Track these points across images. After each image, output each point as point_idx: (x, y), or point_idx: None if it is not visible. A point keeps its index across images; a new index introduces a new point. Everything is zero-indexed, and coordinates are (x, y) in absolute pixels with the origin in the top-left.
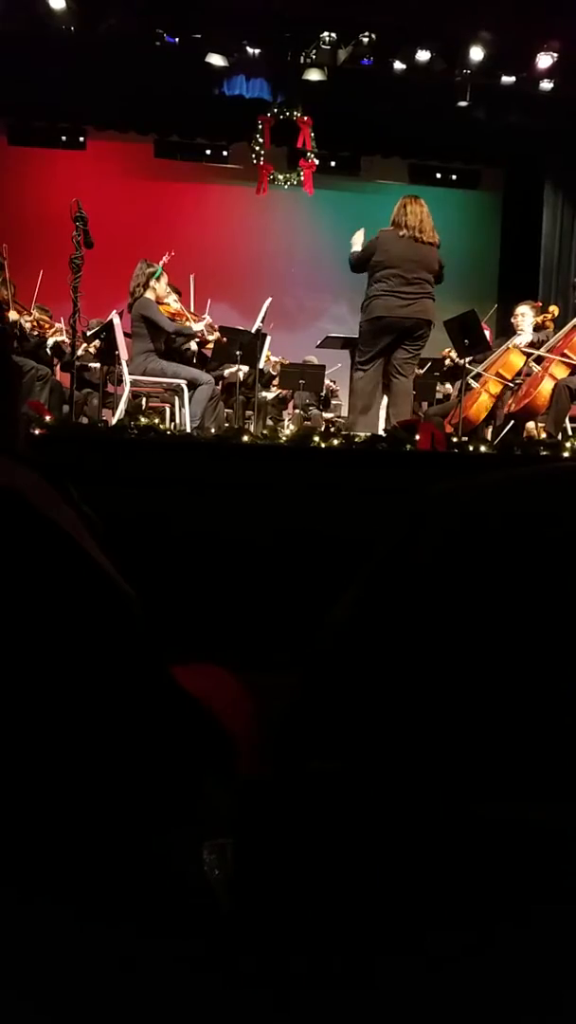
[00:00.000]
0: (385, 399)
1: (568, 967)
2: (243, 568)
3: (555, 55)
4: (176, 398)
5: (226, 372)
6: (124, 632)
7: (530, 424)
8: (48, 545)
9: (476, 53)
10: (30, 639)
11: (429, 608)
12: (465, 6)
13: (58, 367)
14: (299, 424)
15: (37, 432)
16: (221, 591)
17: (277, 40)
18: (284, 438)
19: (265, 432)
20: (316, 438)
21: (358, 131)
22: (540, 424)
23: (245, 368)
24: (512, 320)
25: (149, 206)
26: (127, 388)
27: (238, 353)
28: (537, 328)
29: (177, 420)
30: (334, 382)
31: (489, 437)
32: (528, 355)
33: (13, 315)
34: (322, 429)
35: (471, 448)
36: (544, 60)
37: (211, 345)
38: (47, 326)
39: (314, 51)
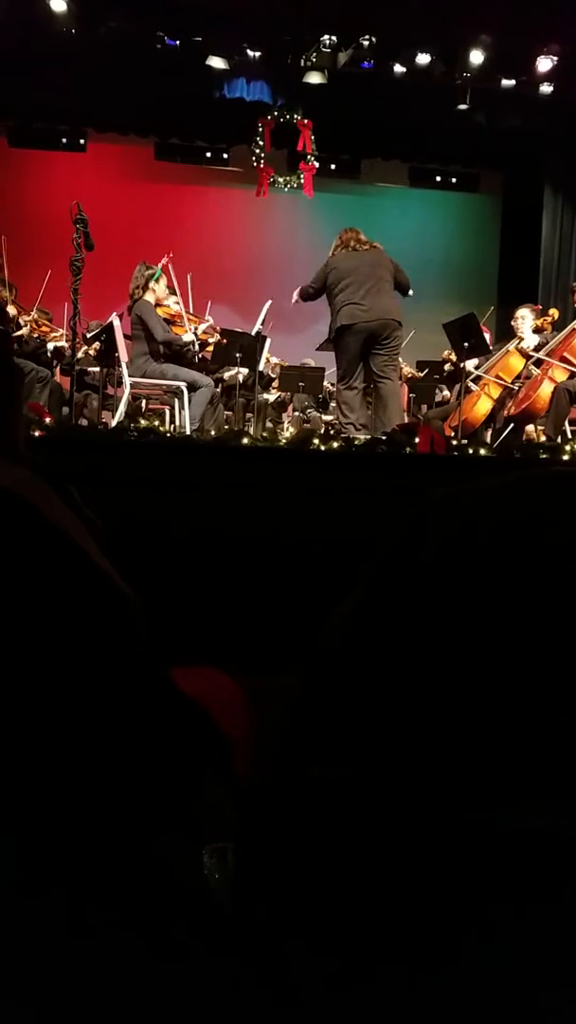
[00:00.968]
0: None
1: (568, 970)
2: (242, 570)
3: (555, 58)
4: (176, 400)
5: (226, 375)
6: (124, 634)
7: (529, 427)
8: (48, 547)
9: (476, 56)
10: (29, 641)
11: (430, 612)
12: (465, 10)
13: (58, 369)
14: (298, 426)
15: (37, 434)
16: (220, 593)
17: (277, 43)
18: (284, 440)
19: (265, 434)
20: (316, 440)
21: (358, 134)
22: (539, 427)
23: (244, 371)
24: (512, 323)
25: (149, 208)
26: (127, 390)
27: (238, 355)
28: (536, 331)
29: (177, 422)
30: (333, 384)
31: (489, 440)
32: (528, 358)
33: (11, 309)
34: (322, 431)
35: (471, 451)
36: (544, 63)
37: (211, 348)
38: (47, 328)
39: (314, 54)
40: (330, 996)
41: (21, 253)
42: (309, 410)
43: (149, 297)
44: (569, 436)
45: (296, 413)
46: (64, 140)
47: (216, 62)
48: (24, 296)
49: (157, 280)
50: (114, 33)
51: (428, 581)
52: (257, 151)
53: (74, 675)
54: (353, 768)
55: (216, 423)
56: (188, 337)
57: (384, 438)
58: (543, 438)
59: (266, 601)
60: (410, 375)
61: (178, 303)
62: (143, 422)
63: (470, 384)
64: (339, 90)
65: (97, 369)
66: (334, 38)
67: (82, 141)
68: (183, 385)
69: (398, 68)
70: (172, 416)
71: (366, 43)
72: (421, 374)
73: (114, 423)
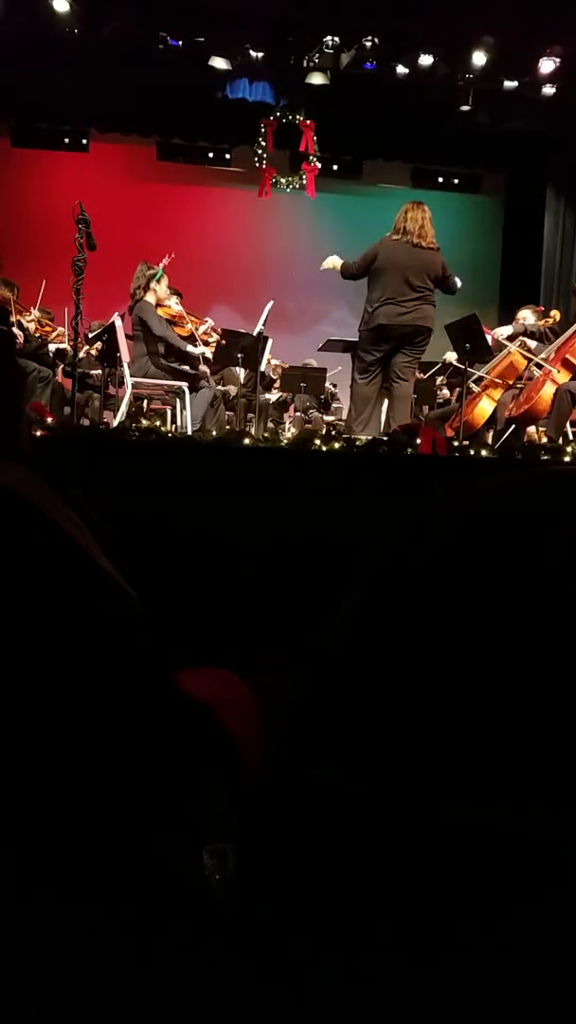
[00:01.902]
0: (385, 403)
1: (567, 971)
2: (244, 570)
3: (557, 60)
4: (177, 400)
5: (219, 389)
6: (127, 635)
7: (531, 428)
8: (50, 547)
9: (479, 57)
10: (32, 642)
11: (431, 611)
12: (468, 11)
13: (60, 369)
14: (300, 427)
15: (39, 434)
16: (222, 593)
17: (280, 44)
18: (285, 441)
19: (266, 435)
20: (317, 441)
21: (360, 135)
22: (541, 428)
23: (241, 374)
24: (513, 324)
25: (151, 209)
26: (128, 390)
27: (239, 356)
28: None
29: (178, 422)
30: (335, 385)
31: (490, 441)
32: (529, 360)
33: (13, 310)
34: (323, 432)
35: (472, 452)
36: (546, 65)
37: (211, 347)
38: (48, 328)
39: (317, 55)
40: (331, 997)
41: (23, 253)
42: (311, 411)
43: (150, 297)
44: (570, 437)
45: (298, 414)
46: (67, 140)
47: (219, 62)
48: (26, 296)
49: (159, 280)
50: (117, 33)
51: (429, 580)
52: (259, 151)
53: (76, 676)
54: (355, 769)
55: (217, 423)
56: (196, 351)
57: (386, 439)
58: (544, 439)
59: (268, 601)
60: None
61: (179, 303)
62: (144, 422)
63: (471, 385)
64: (342, 91)
65: (97, 372)
66: (337, 39)
67: (84, 141)
68: (184, 385)
69: (401, 69)
70: (173, 416)
71: (369, 44)
72: (424, 375)
73: (115, 423)
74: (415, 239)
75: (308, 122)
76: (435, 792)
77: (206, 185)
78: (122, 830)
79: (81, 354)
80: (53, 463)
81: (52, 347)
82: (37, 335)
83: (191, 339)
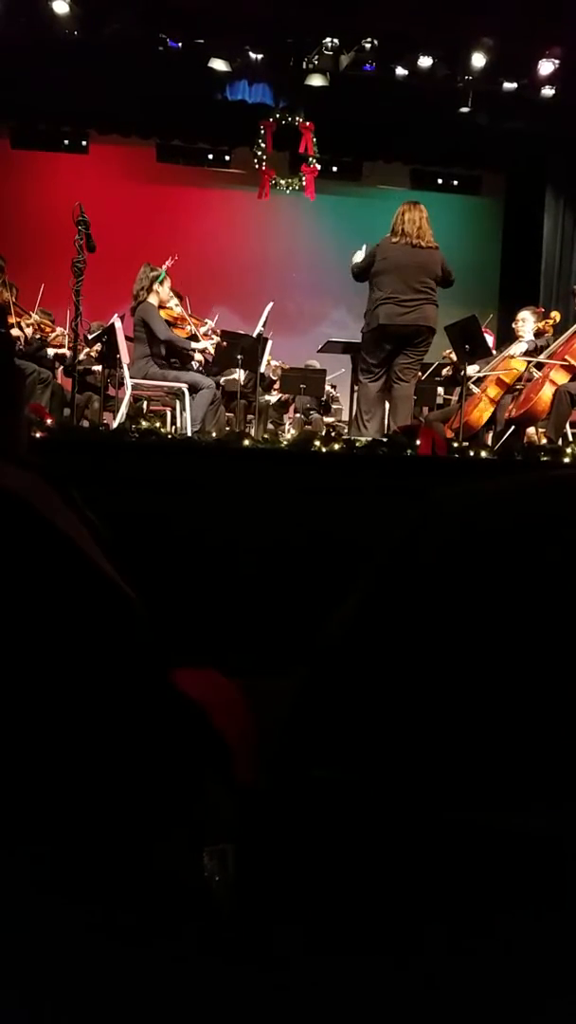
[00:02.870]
0: (387, 404)
1: (565, 972)
2: (243, 572)
3: (557, 61)
4: (177, 402)
5: (222, 380)
6: (125, 636)
7: (530, 429)
8: (50, 549)
9: (478, 59)
10: (30, 642)
11: (431, 614)
12: (467, 12)
13: (60, 371)
14: (300, 428)
15: (38, 435)
16: (221, 594)
17: (280, 45)
18: (285, 442)
19: (266, 436)
20: (317, 442)
21: (360, 136)
22: (540, 429)
23: (242, 373)
24: (513, 326)
25: (151, 210)
26: (128, 391)
27: (239, 357)
28: (538, 334)
29: (178, 424)
30: (335, 387)
31: (490, 442)
32: (529, 361)
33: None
34: (323, 433)
35: (471, 453)
36: (546, 66)
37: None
38: (48, 330)
39: (317, 56)
40: (330, 996)
41: (23, 254)
42: (311, 412)
43: (153, 299)
44: (570, 439)
45: (297, 415)
46: (66, 142)
47: (218, 64)
48: (25, 297)
49: (161, 282)
50: (117, 35)
51: (429, 583)
52: (259, 153)
53: (76, 677)
54: (354, 770)
55: (217, 425)
56: (201, 345)
57: (385, 440)
58: (544, 440)
59: (267, 602)
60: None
61: (180, 305)
62: (144, 423)
63: (471, 386)
64: (341, 92)
65: (99, 368)
66: (336, 40)
67: (84, 143)
68: (184, 387)
69: (400, 71)
70: (173, 418)
71: (368, 45)
72: (424, 376)
73: (115, 424)
74: (414, 240)
75: (308, 124)
76: (432, 793)
77: (206, 187)
78: (121, 830)
79: (81, 355)
80: (52, 465)
81: (50, 351)
82: (37, 337)
83: (193, 339)
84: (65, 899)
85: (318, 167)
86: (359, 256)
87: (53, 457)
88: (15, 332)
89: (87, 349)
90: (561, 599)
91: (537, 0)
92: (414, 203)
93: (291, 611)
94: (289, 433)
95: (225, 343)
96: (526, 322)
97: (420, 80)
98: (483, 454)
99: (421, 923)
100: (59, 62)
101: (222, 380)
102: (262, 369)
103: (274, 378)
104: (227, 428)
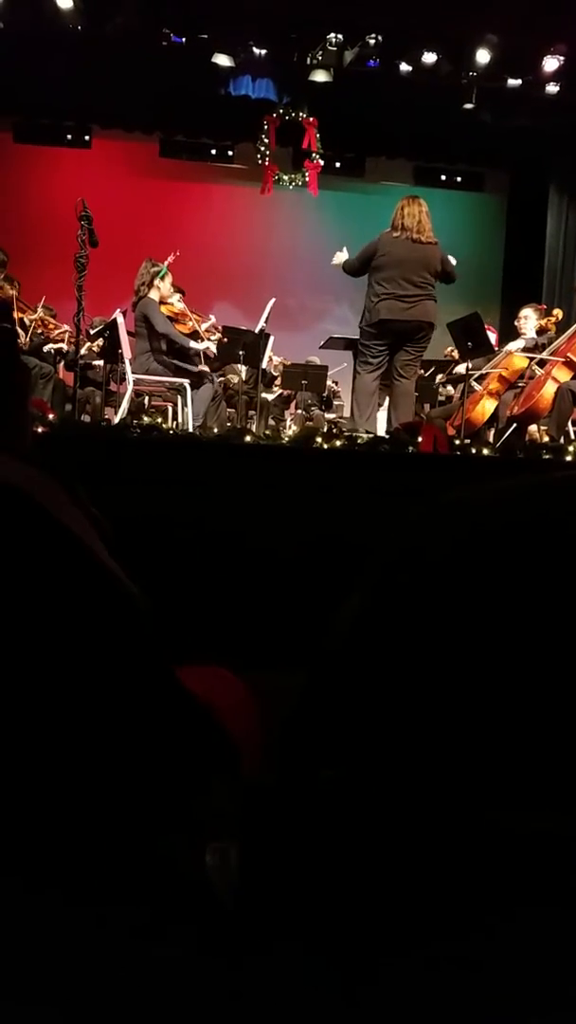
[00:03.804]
0: (387, 400)
1: (568, 972)
2: (245, 568)
3: (561, 58)
4: (179, 397)
5: (217, 379)
6: (129, 632)
7: (532, 427)
8: (54, 544)
9: (482, 56)
10: (35, 638)
11: (437, 614)
12: (471, 9)
13: (61, 366)
14: (301, 424)
15: (40, 430)
16: (223, 590)
17: (283, 41)
18: (286, 438)
19: (267, 432)
20: (318, 439)
21: (363, 132)
22: (542, 427)
23: (240, 372)
24: (516, 323)
25: (154, 205)
26: (130, 387)
27: (241, 353)
28: (540, 331)
29: (180, 419)
30: (336, 383)
31: (491, 440)
32: (531, 358)
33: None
34: (324, 430)
35: (473, 451)
36: (550, 63)
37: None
38: (51, 326)
39: (320, 52)
40: (333, 996)
41: (26, 249)
42: (312, 408)
43: (154, 294)
44: (572, 436)
45: (299, 411)
46: (69, 136)
47: (222, 59)
48: (28, 292)
49: (163, 278)
50: (120, 30)
51: (435, 583)
52: (262, 149)
53: (80, 673)
54: (359, 768)
55: (219, 421)
56: (203, 345)
57: (387, 437)
58: (546, 438)
59: (269, 598)
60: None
61: (181, 301)
62: (146, 419)
63: (473, 384)
64: (345, 88)
65: (100, 363)
66: (340, 36)
67: (87, 137)
68: (186, 382)
69: (404, 67)
70: (175, 413)
71: (372, 41)
72: (425, 373)
73: (117, 420)
74: (414, 235)
75: (311, 119)
76: (438, 792)
77: (209, 182)
78: (126, 827)
79: (83, 350)
80: (55, 460)
81: (51, 347)
82: (39, 332)
83: (194, 336)
84: (67, 896)
85: (321, 163)
86: (340, 257)
87: (54, 452)
88: (19, 328)
89: (89, 344)
90: (568, 599)
91: None
92: (413, 197)
93: (294, 606)
94: (290, 429)
95: (227, 339)
96: (528, 319)
97: (424, 76)
98: (485, 451)
99: (426, 924)
100: (62, 56)
101: (216, 380)
102: (264, 365)
103: (276, 374)
104: (228, 424)
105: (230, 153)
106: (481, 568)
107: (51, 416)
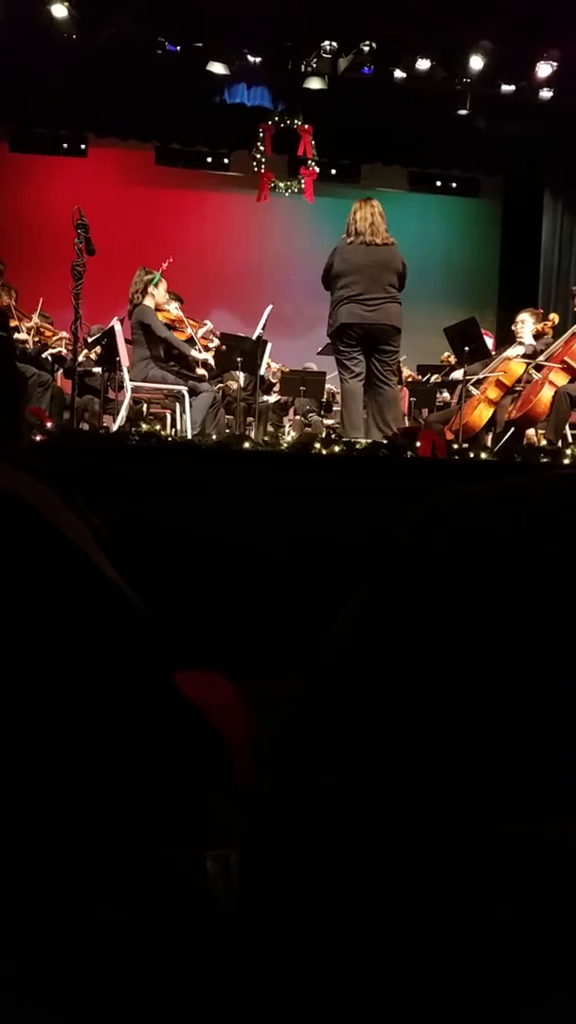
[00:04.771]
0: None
1: (564, 976)
2: (244, 574)
3: (555, 64)
4: (177, 404)
5: (216, 386)
6: (128, 639)
7: (530, 431)
8: (53, 553)
9: (476, 62)
10: (33, 646)
11: (434, 618)
12: (465, 15)
13: (60, 373)
14: (300, 431)
15: (38, 438)
16: (221, 597)
17: (278, 49)
18: (285, 445)
19: (266, 439)
20: (317, 445)
21: (358, 139)
22: (540, 431)
23: (239, 378)
24: (512, 327)
25: (150, 213)
26: (128, 394)
27: (239, 360)
28: (537, 336)
29: (178, 426)
30: (334, 389)
31: (489, 444)
32: (528, 363)
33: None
34: (323, 436)
35: (472, 455)
36: (544, 69)
37: (212, 352)
38: (49, 334)
39: (315, 60)
40: (333, 1002)
41: (22, 258)
42: (310, 414)
43: (148, 302)
44: (570, 440)
45: (297, 417)
46: (65, 145)
47: (217, 67)
48: (25, 301)
49: (156, 285)
50: (115, 38)
51: (432, 587)
52: (258, 156)
53: (79, 681)
54: (357, 775)
55: (217, 427)
56: (201, 356)
57: (385, 442)
58: (544, 442)
59: (268, 605)
60: (410, 378)
61: (178, 308)
62: (144, 426)
63: (471, 388)
64: (339, 95)
65: (98, 369)
66: (335, 43)
67: (83, 146)
68: (184, 389)
69: (398, 73)
70: (173, 420)
71: (367, 48)
72: (422, 378)
73: (115, 427)
74: (368, 238)
75: (306, 126)
76: (436, 798)
77: (205, 190)
78: (124, 834)
79: (80, 358)
80: (53, 468)
81: (48, 353)
82: (36, 340)
83: (191, 343)
84: (65, 904)
85: (316, 170)
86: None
87: (52, 460)
88: (16, 336)
89: (86, 351)
90: (565, 602)
91: (535, 3)
92: (366, 200)
93: (292, 613)
94: (289, 435)
95: (225, 346)
96: (525, 324)
97: (418, 83)
98: (483, 456)
99: (425, 929)
100: (58, 65)
101: (216, 387)
102: (262, 372)
103: (274, 381)
104: (227, 431)
105: (226, 161)
106: (477, 572)
107: (49, 424)
